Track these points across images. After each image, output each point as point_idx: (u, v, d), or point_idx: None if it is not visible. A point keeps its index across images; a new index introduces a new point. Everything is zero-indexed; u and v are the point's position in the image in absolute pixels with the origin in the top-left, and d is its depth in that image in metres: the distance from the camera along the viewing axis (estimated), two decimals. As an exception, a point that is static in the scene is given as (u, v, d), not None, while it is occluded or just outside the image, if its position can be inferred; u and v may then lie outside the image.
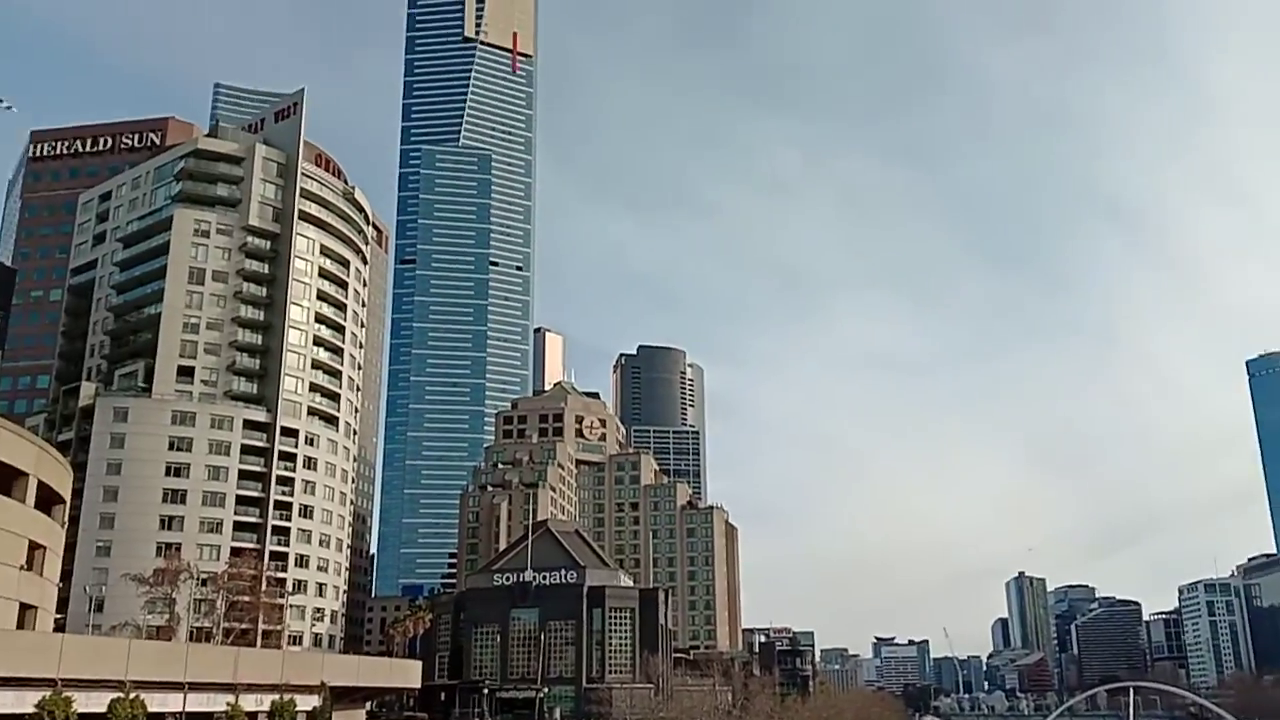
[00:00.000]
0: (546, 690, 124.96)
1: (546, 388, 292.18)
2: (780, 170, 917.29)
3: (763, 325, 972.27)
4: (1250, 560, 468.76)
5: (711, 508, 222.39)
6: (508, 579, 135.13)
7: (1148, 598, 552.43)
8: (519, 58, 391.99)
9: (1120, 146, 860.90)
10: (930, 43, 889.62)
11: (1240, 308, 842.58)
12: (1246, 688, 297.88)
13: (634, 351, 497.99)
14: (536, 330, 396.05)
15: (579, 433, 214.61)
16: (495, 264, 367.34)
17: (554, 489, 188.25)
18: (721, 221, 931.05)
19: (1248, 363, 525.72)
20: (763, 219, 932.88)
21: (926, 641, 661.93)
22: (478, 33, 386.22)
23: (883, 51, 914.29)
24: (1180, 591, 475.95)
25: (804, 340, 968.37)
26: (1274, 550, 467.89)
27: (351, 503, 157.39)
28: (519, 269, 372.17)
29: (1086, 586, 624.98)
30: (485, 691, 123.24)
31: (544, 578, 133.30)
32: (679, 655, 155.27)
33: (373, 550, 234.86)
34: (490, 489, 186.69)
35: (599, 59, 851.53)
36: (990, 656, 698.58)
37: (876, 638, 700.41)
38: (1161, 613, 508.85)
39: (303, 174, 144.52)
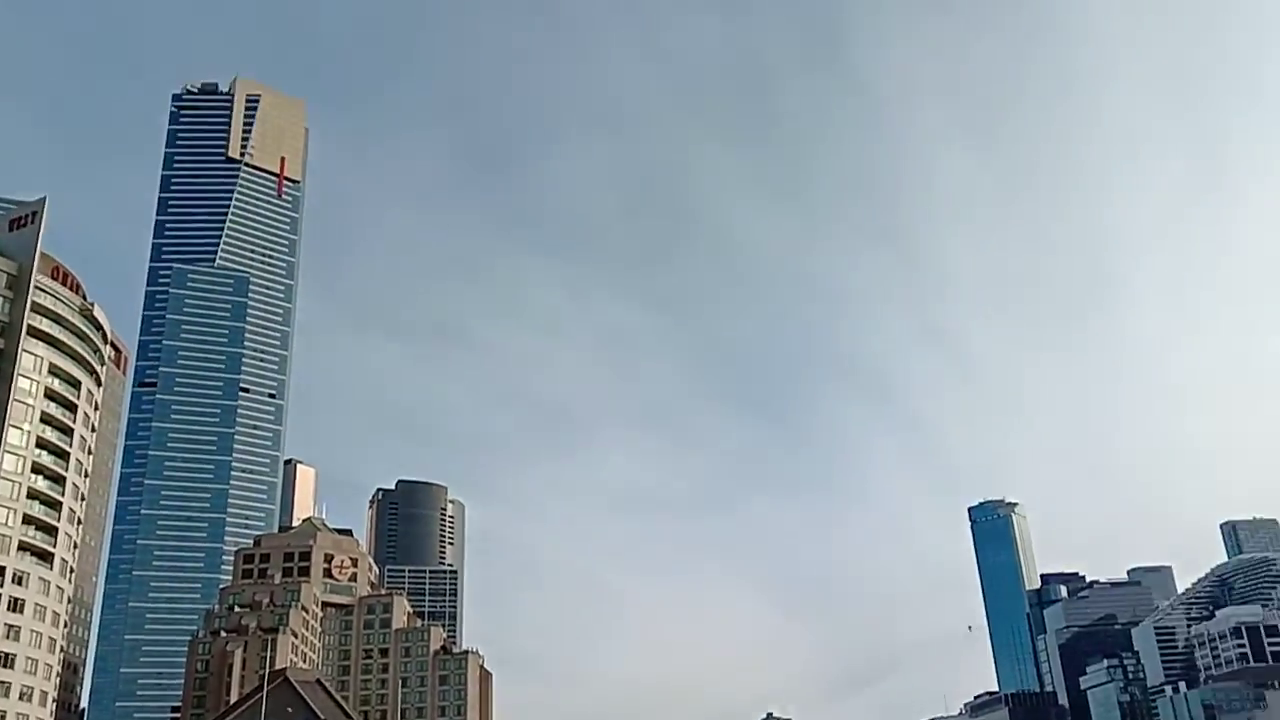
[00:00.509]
0: None
1: (295, 524, 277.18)
2: (544, 309, 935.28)
3: (527, 462, 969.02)
4: (976, 698, 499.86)
5: (466, 653, 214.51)
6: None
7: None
8: (285, 182, 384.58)
9: (860, 311, 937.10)
10: (688, 201, 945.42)
11: (963, 460, 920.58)
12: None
13: (392, 486, 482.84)
14: (288, 462, 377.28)
15: (328, 572, 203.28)
16: (246, 390, 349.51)
17: (296, 634, 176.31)
18: (486, 356, 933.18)
19: (969, 510, 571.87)
20: (527, 356, 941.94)
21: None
22: (243, 154, 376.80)
23: (644, 204, 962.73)
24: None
25: (568, 478, 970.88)
26: (995, 687, 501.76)
27: (62, 650, 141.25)
28: (272, 396, 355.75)
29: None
30: None
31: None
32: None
33: (84, 704, 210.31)
34: (224, 634, 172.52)
35: (369, 189, 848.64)
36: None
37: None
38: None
39: (35, 287, 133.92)
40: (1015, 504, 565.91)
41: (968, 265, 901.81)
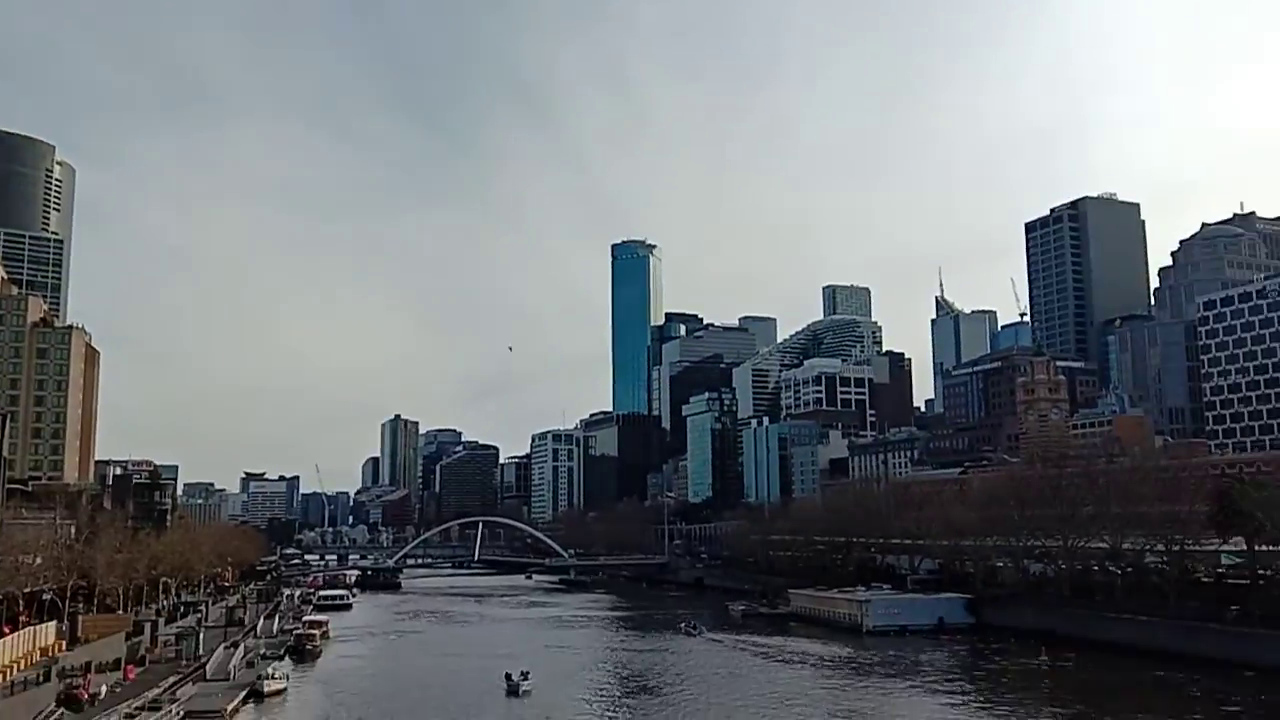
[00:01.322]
0: None
1: None
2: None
3: (155, 132, 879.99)
4: (591, 415, 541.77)
5: (70, 327, 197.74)
6: None
7: (506, 444, 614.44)
8: None
9: (543, 41, 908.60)
10: None
11: (614, 195, 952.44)
12: (574, 523, 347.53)
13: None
14: None
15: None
16: None
17: None
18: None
19: (612, 246, 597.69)
20: (157, 7, 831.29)
21: (297, 478, 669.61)
22: None
23: None
24: (533, 440, 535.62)
25: (203, 157, 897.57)
26: (610, 408, 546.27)
27: None
28: None
29: (455, 431, 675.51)
30: None
31: None
32: (15, 486, 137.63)
33: None
34: None
35: None
36: (359, 493, 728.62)
37: (246, 473, 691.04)
38: (515, 457, 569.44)
39: None
40: (654, 246, 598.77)
41: (652, 13, 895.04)
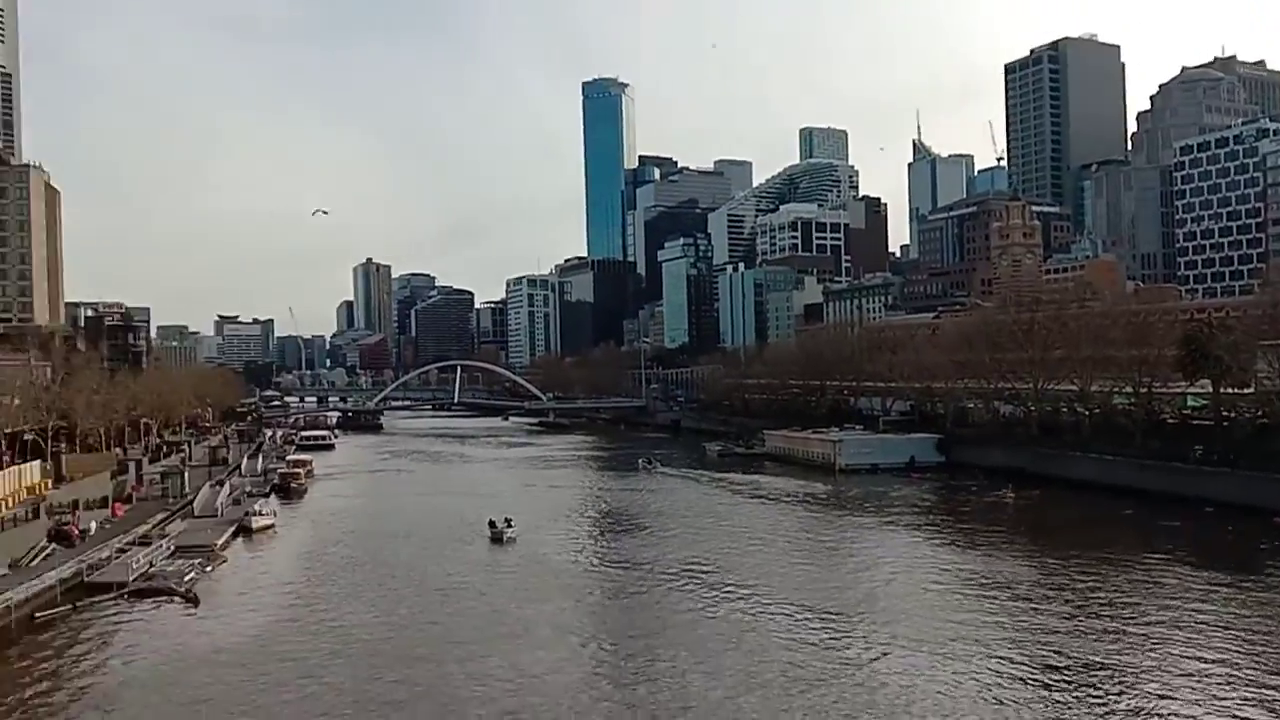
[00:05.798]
0: None
1: None
2: None
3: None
4: (566, 261, 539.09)
5: (28, 166, 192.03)
6: None
7: (480, 289, 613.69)
8: None
9: None
10: None
11: (583, 29, 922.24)
12: (551, 367, 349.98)
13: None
14: None
15: None
16: None
17: None
18: None
19: (584, 85, 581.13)
20: None
21: (271, 320, 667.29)
22: None
23: None
24: (508, 285, 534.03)
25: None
26: (585, 254, 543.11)
27: None
28: None
29: (428, 275, 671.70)
30: None
31: None
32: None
33: None
34: None
35: None
36: (334, 336, 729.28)
37: (219, 315, 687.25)
38: (491, 302, 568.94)
39: None
40: (627, 84, 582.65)
41: None
